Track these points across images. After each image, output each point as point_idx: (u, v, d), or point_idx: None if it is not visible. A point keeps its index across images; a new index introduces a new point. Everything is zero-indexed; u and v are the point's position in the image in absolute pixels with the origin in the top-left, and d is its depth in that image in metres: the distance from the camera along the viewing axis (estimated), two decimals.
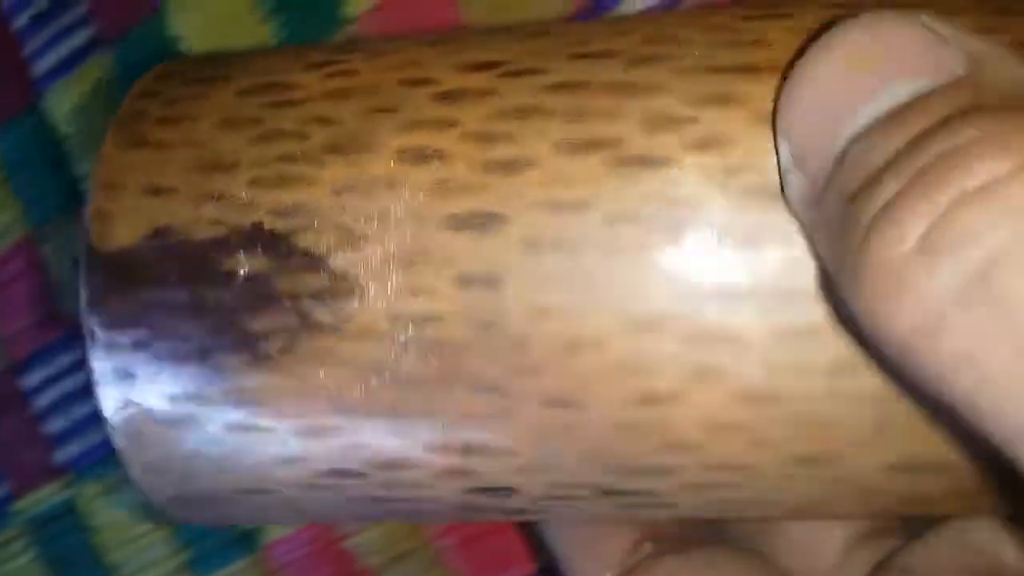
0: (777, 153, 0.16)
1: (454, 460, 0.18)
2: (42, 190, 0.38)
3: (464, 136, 0.17)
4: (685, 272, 0.17)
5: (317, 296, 0.18)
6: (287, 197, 0.18)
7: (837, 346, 0.16)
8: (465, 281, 0.17)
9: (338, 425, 0.18)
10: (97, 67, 0.37)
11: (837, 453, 0.17)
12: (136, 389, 0.19)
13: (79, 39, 0.37)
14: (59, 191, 0.38)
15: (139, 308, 0.18)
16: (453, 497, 0.19)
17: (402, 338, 0.17)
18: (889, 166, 0.13)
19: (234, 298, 0.18)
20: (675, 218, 0.17)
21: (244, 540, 0.37)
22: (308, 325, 0.18)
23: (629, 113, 0.17)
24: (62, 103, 0.38)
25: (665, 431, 0.17)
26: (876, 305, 0.13)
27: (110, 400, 0.19)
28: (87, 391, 0.38)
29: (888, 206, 0.13)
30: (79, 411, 0.38)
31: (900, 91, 0.14)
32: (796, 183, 0.15)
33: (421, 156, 0.17)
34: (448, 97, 0.18)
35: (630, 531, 0.22)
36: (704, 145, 0.16)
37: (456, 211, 0.17)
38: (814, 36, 0.15)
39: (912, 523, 0.22)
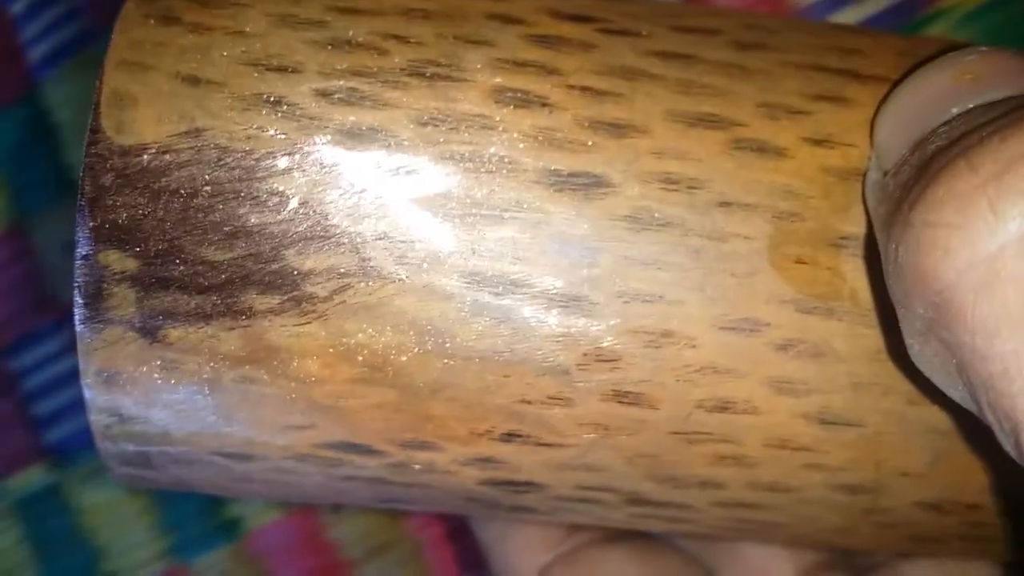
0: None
1: (488, 446, 0.16)
2: (34, 177, 0.38)
3: (570, 87, 0.16)
4: (785, 275, 0.16)
5: (384, 237, 0.15)
6: (361, 118, 0.15)
7: (918, 372, 0.15)
8: (558, 247, 0.16)
9: (369, 394, 0.16)
10: (93, 56, 0.37)
11: (885, 484, 0.16)
12: (124, 315, 0.16)
13: (74, 28, 0.37)
14: (51, 179, 0.38)
15: (156, 220, 0.15)
16: (463, 488, 0.17)
17: (475, 301, 0.16)
18: (975, 128, 0.13)
19: (282, 226, 0.15)
20: (784, 211, 0.16)
21: (228, 527, 0.37)
22: (365, 269, 0.15)
23: (744, 95, 0.16)
24: (57, 91, 0.38)
25: (727, 443, 0.16)
26: (926, 249, 0.12)
27: (89, 324, 0.16)
28: (75, 376, 0.38)
29: (963, 149, 0.12)
30: (67, 394, 0.38)
31: (991, 96, 0.14)
32: (872, 176, 0.15)
33: (523, 100, 0.16)
34: (545, 41, 0.16)
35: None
36: (821, 141, 0.16)
37: (558, 167, 0.16)
38: (921, 61, 0.15)
39: (856, 563, 0.22)
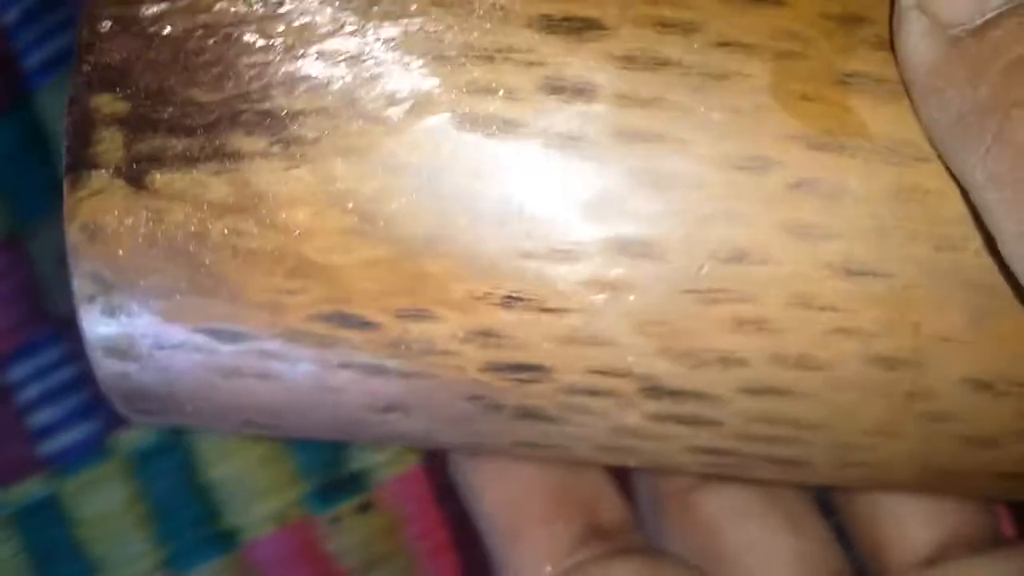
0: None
1: (489, 313, 0.15)
2: (29, 187, 0.38)
3: None
4: (792, 110, 0.15)
5: (374, 79, 0.15)
6: None
7: (947, 214, 0.15)
8: (552, 86, 0.15)
9: (360, 248, 0.15)
10: None
11: (926, 354, 0.15)
12: (111, 159, 0.15)
13: (69, 37, 0.37)
14: (46, 189, 0.38)
15: (146, 62, 0.15)
16: (465, 379, 0.16)
17: (466, 142, 0.15)
18: None
19: (271, 67, 0.15)
20: (786, 50, 0.15)
21: (224, 538, 0.37)
22: (355, 111, 0.15)
23: None
24: (52, 100, 0.38)
25: (746, 303, 0.15)
26: None
27: (76, 170, 0.15)
28: (72, 386, 0.38)
29: None
30: (64, 406, 0.38)
31: None
32: (918, 22, 0.14)
33: None
34: None
35: (571, 526, 0.21)
36: None
37: (550, 12, 0.15)
38: None
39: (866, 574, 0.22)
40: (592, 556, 0.21)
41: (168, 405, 0.17)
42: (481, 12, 0.15)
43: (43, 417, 0.39)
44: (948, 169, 0.15)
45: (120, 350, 0.16)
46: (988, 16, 0.14)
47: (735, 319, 0.15)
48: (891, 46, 0.15)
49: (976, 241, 0.15)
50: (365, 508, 0.37)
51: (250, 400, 0.17)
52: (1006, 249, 0.13)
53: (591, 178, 0.15)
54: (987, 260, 0.15)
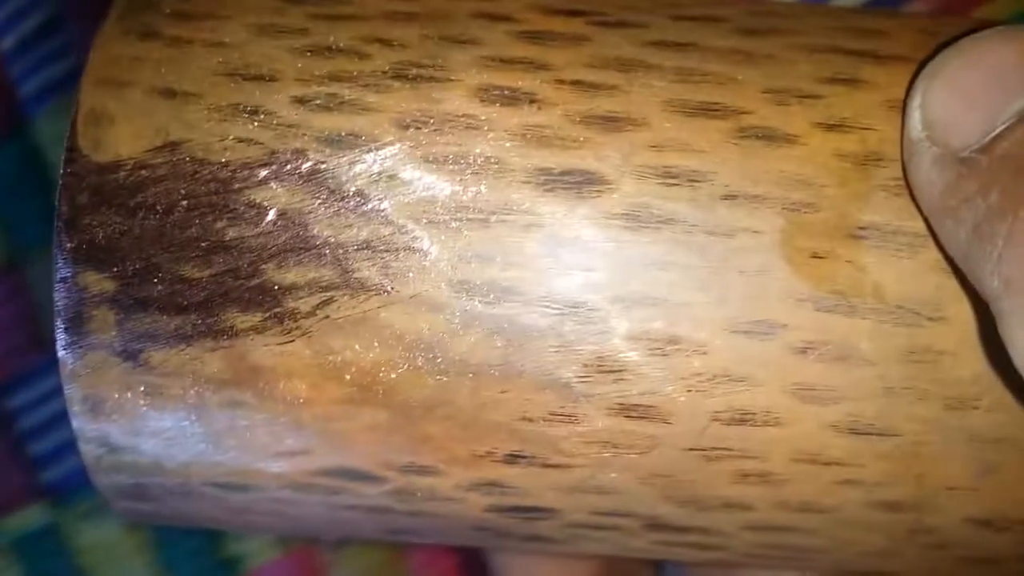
0: (904, 127, 0.15)
1: (491, 469, 0.16)
2: (27, 214, 0.38)
3: (560, 82, 0.15)
4: (800, 271, 0.15)
5: (366, 247, 0.15)
6: (341, 123, 0.15)
7: (959, 375, 0.15)
8: (551, 251, 0.15)
9: (360, 415, 0.15)
10: None
11: (930, 500, 0.15)
12: (105, 338, 0.15)
13: (66, 64, 0.37)
14: (44, 216, 0.38)
15: (132, 238, 0.15)
16: (471, 516, 0.16)
17: (466, 312, 0.15)
18: None
19: (259, 239, 0.15)
20: (796, 202, 0.15)
21: (226, 566, 0.37)
22: (348, 281, 0.15)
23: (749, 82, 0.15)
24: (49, 127, 0.37)
25: (750, 458, 0.15)
26: None
27: (72, 352, 0.15)
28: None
29: None
30: (63, 433, 0.38)
31: None
32: (928, 152, 0.14)
33: (510, 97, 0.15)
34: (534, 37, 0.15)
35: (586, 569, 0.21)
36: (835, 125, 0.15)
37: (549, 165, 0.15)
38: (959, 35, 0.15)
39: None
40: None
41: (177, 524, 0.18)
42: (476, 167, 0.15)
43: (43, 445, 0.39)
44: (961, 328, 0.15)
45: (133, 495, 0.17)
46: (996, 131, 0.14)
47: (739, 473, 0.15)
48: (908, 188, 0.15)
49: (988, 399, 0.14)
50: None
51: (261, 526, 0.17)
52: (1018, 360, 0.13)
53: (590, 345, 0.15)
54: (998, 416, 0.15)
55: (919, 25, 0.16)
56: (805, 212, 0.15)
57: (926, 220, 0.15)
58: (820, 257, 0.15)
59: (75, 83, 0.39)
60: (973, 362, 0.15)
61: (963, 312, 0.15)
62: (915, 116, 0.15)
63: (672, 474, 0.15)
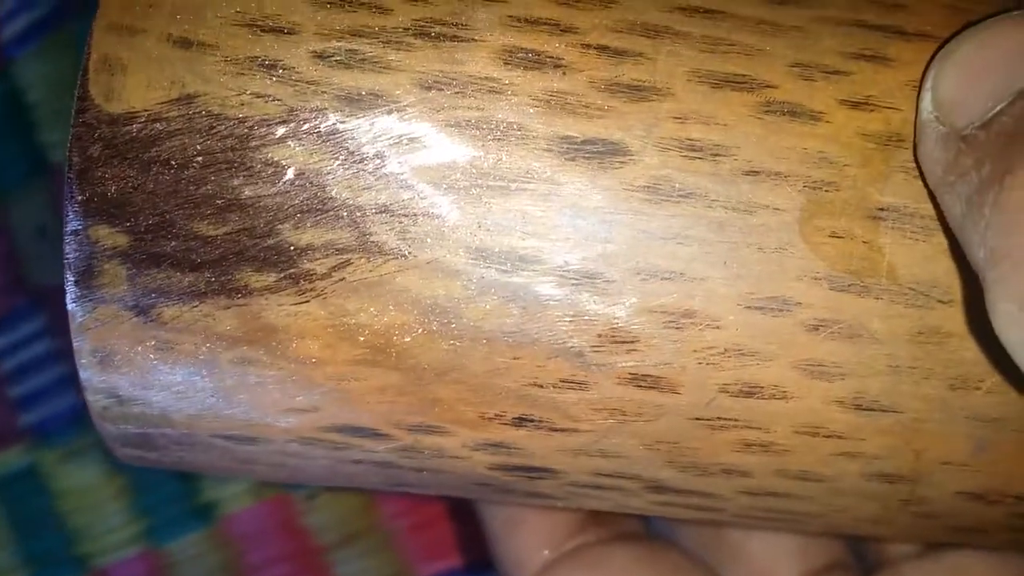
0: (918, 107, 0.15)
1: (499, 431, 0.16)
2: (8, 156, 0.38)
3: (585, 47, 0.15)
4: (818, 250, 0.15)
5: (384, 211, 0.14)
6: (361, 82, 0.14)
7: (964, 357, 0.15)
8: (570, 220, 0.15)
9: (372, 376, 0.15)
10: (68, 34, 0.36)
11: (925, 474, 0.16)
12: (119, 294, 0.15)
13: (48, 5, 0.37)
14: (26, 158, 0.38)
15: (146, 193, 0.15)
16: (475, 473, 0.16)
17: (482, 279, 0.15)
18: None
19: (275, 198, 0.14)
20: (818, 180, 0.15)
21: (202, 511, 0.37)
22: (365, 244, 0.15)
23: (776, 54, 0.15)
24: (32, 69, 0.37)
25: (753, 429, 0.15)
26: None
27: (83, 305, 0.15)
28: (52, 358, 0.38)
29: None
30: (44, 376, 0.38)
31: None
32: (936, 131, 0.15)
33: (534, 61, 0.15)
34: None
35: (570, 512, 0.21)
36: (860, 103, 0.15)
37: (571, 133, 0.14)
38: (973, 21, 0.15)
39: (864, 562, 0.22)
40: (591, 540, 0.21)
41: (179, 469, 0.18)
42: (498, 133, 0.14)
43: (24, 387, 0.39)
44: (970, 311, 0.15)
45: (137, 444, 0.17)
46: (996, 108, 0.14)
47: (742, 442, 0.15)
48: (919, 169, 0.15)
49: (990, 380, 0.15)
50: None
51: (265, 475, 0.17)
52: (1001, 330, 0.13)
53: (605, 315, 0.15)
54: (997, 397, 0.15)
55: (944, 2, 0.16)
56: (826, 191, 0.15)
57: (933, 200, 0.15)
58: (838, 237, 0.15)
59: (58, 25, 0.39)
60: (978, 344, 0.15)
61: (971, 295, 0.15)
62: (927, 97, 0.15)
63: (677, 441, 0.16)
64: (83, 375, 0.15)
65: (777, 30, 0.15)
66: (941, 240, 0.15)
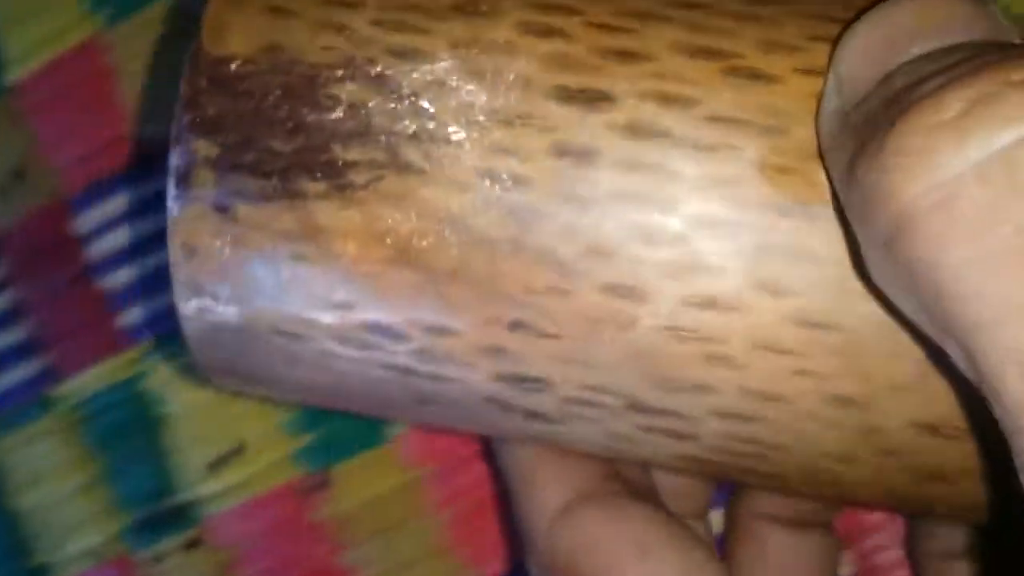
0: (826, 80, 0.17)
1: (498, 335, 0.18)
2: None
3: (588, 24, 0.18)
4: (770, 181, 0.17)
5: (413, 137, 0.18)
6: (406, 41, 0.18)
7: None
8: (560, 150, 0.18)
9: (396, 274, 0.18)
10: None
11: (874, 398, 0.17)
12: (205, 194, 0.19)
13: None
14: None
15: (235, 115, 0.19)
16: (482, 383, 0.19)
17: (487, 194, 0.18)
18: (939, 71, 0.14)
19: (332, 123, 0.18)
20: (771, 126, 0.17)
21: (180, 512, 0.33)
22: (397, 163, 0.18)
23: (747, 35, 0.18)
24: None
25: (714, 341, 0.18)
26: (893, 172, 0.14)
27: (177, 202, 0.19)
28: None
29: (933, 90, 0.14)
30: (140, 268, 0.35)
31: (949, 40, 0.15)
32: (831, 102, 0.17)
33: (544, 31, 0.18)
34: None
35: (589, 464, 0.22)
36: (811, 71, 0.18)
37: (567, 83, 0.18)
38: None
39: None
40: (610, 491, 0.22)
41: (241, 373, 0.21)
42: (510, 80, 0.18)
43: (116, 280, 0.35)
44: None
45: (210, 342, 0.20)
46: (870, 90, 0.16)
47: (705, 355, 0.18)
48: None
49: None
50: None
51: (305, 385, 0.20)
52: (871, 272, 0.15)
53: (588, 230, 0.18)
54: None
55: None
56: (778, 136, 0.18)
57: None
58: (787, 172, 0.17)
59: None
60: None
61: None
62: (830, 74, 0.17)
63: (649, 352, 0.18)
64: (172, 265, 0.19)
65: (753, 18, 0.18)
66: None
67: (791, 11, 0.18)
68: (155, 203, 0.33)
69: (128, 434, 0.34)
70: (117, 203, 0.34)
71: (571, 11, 0.18)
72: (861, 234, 0.15)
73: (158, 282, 0.33)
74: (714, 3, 0.18)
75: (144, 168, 0.34)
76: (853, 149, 0.15)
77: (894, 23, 0.16)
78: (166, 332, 0.34)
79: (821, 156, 0.17)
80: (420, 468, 0.32)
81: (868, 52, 0.16)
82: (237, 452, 0.33)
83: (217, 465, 0.33)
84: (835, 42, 0.17)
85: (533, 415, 0.19)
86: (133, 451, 0.34)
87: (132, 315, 0.34)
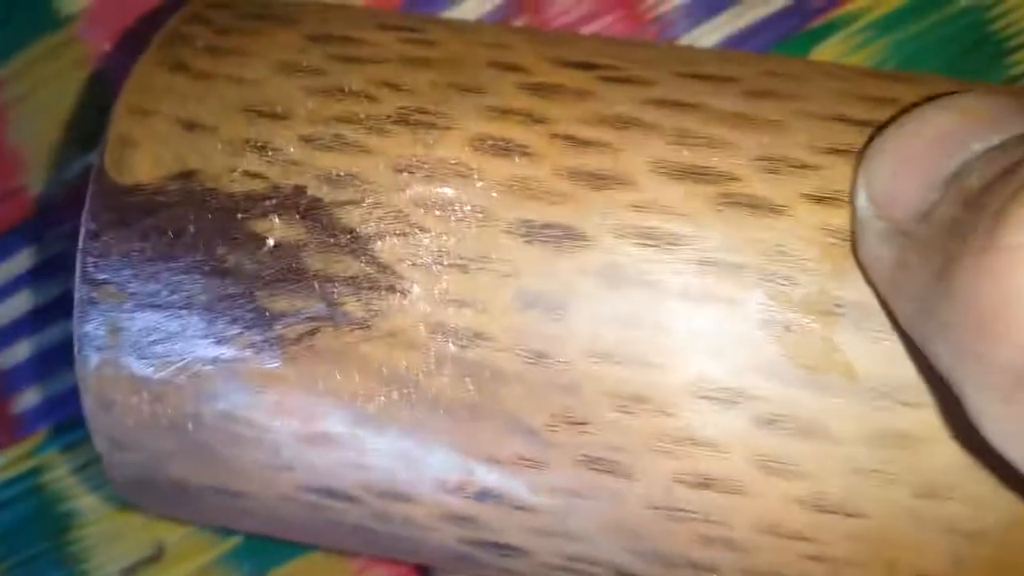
0: (853, 205, 0.15)
1: (464, 505, 0.17)
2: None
3: (553, 136, 0.16)
4: (779, 341, 0.15)
5: (352, 283, 0.16)
6: (341, 163, 0.16)
7: (932, 464, 0.15)
8: (525, 301, 0.16)
9: (343, 438, 0.17)
10: None
11: None
12: (119, 347, 0.17)
13: None
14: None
15: (145, 256, 0.17)
16: (448, 544, 0.18)
17: (440, 353, 0.16)
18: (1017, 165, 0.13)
19: (257, 267, 0.16)
20: (775, 273, 0.15)
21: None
22: (335, 315, 0.16)
23: (744, 147, 0.16)
24: None
25: (713, 524, 0.16)
26: (1000, 304, 0.12)
27: (87, 353, 0.17)
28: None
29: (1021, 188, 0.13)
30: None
31: (1001, 134, 0.14)
32: (875, 228, 0.15)
33: (502, 148, 0.16)
34: (540, 90, 0.17)
35: None
36: (825, 198, 0.15)
37: (531, 216, 0.16)
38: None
39: None
40: None
41: (171, 511, 0.19)
42: (462, 215, 0.16)
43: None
44: (938, 414, 0.15)
45: (137, 489, 0.18)
46: (934, 198, 0.14)
47: (702, 536, 0.16)
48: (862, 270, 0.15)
49: (964, 489, 0.15)
50: None
51: (258, 526, 0.18)
52: (984, 427, 0.13)
53: (558, 398, 0.16)
54: (972, 508, 0.15)
55: (936, 89, 0.16)
56: (782, 284, 0.15)
57: (883, 303, 0.15)
58: (794, 331, 0.15)
59: None
60: (947, 451, 0.15)
61: (939, 400, 0.15)
62: (861, 195, 0.15)
63: (635, 529, 0.16)
64: (89, 419, 0.17)
65: (750, 123, 0.16)
66: (906, 341, 0.15)
67: (799, 110, 0.16)
68: (61, 262, 0.30)
69: (32, 535, 0.31)
70: (19, 262, 0.31)
71: (535, 119, 0.16)
72: (968, 375, 0.13)
73: (58, 358, 0.30)
74: (704, 101, 0.16)
75: (47, 220, 0.30)
76: (937, 267, 0.13)
77: (937, 126, 0.15)
78: (65, 419, 0.31)
79: (834, 309, 0.15)
80: (373, 570, 0.30)
81: (911, 161, 0.14)
82: (154, 558, 0.30)
83: (132, 573, 0.30)
84: (859, 154, 0.15)
85: (508, 571, 0.18)
86: (39, 554, 0.31)
87: (27, 399, 0.31)
